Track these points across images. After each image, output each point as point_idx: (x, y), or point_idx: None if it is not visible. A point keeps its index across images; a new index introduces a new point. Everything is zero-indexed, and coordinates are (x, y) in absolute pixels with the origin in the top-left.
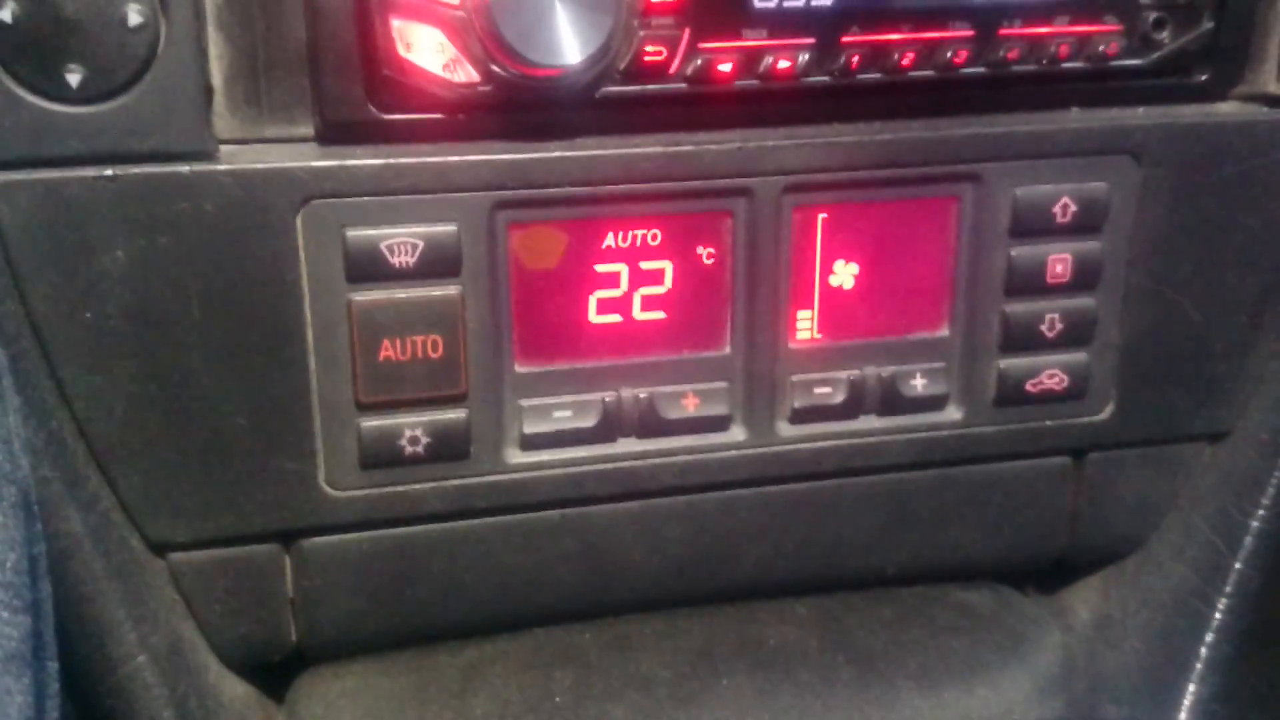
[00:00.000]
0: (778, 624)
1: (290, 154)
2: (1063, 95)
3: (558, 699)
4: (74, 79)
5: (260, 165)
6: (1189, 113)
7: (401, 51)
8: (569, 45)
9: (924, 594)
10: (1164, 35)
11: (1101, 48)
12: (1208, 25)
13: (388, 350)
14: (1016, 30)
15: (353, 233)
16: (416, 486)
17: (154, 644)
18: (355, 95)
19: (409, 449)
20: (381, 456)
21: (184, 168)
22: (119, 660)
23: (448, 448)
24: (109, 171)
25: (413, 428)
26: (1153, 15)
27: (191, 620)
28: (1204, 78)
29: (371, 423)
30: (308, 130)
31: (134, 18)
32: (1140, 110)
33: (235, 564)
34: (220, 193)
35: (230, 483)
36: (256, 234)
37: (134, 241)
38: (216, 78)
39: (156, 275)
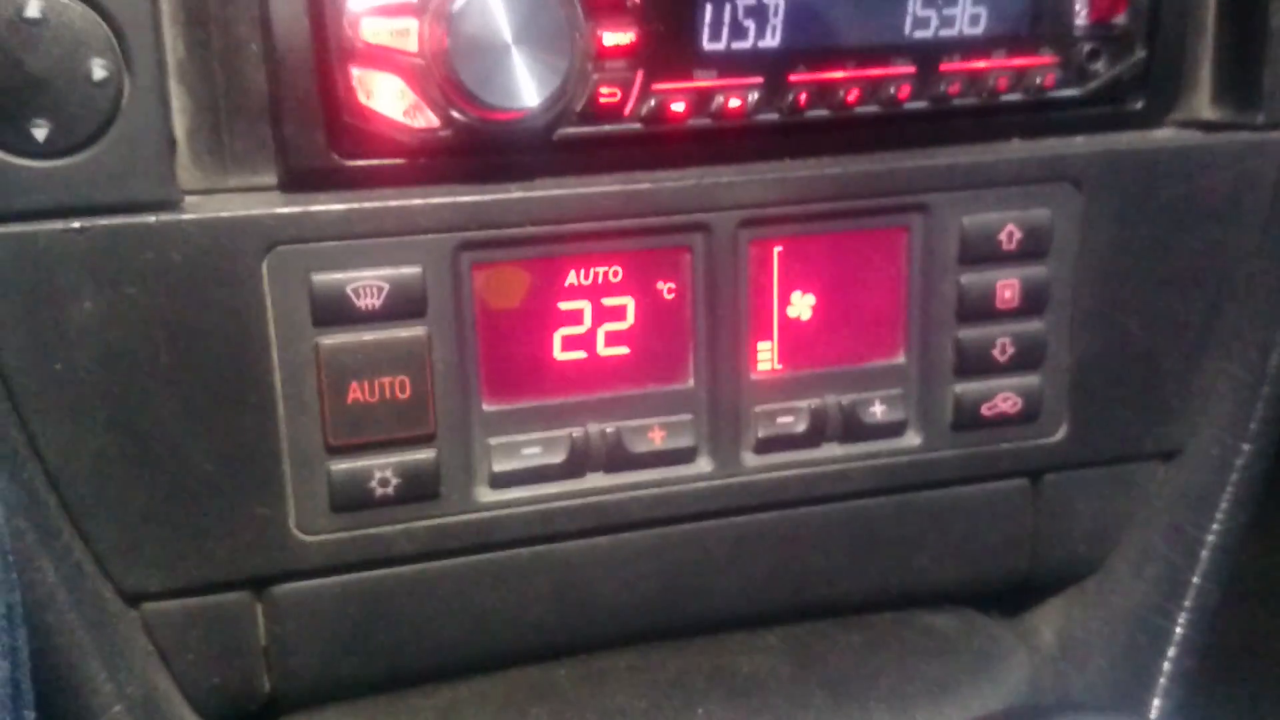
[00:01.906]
0: (749, 653)
1: (254, 202)
2: (1004, 126)
3: None
4: (40, 133)
5: (225, 214)
6: (1126, 139)
7: (362, 99)
8: (526, 89)
9: (892, 619)
10: (1099, 65)
11: (1039, 79)
12: (1141, 54)
13: (356, 392)
14: (956, 65)
15: (318, 277)
16: (387, 528)
17: (130, 695)
18: (318, 143)
19: (379, 490)
20: (352, 499)
21: (150, 218)
22: (95, 711)
23: (418, 488)
24: (76, 224)
25: (382, 469)
26: (1087, 46)
27: (166, 671)
28: (1139, 105)
29: (341, 465)
30: (271, 179)
31: (98, 73)
32: (1079, 139)
33: (207, 613)
34: (186, 242)
35: (201, 531)
36: (223, 281)
37: (102, 292)
38: (179, 129)
39: (125, 325)
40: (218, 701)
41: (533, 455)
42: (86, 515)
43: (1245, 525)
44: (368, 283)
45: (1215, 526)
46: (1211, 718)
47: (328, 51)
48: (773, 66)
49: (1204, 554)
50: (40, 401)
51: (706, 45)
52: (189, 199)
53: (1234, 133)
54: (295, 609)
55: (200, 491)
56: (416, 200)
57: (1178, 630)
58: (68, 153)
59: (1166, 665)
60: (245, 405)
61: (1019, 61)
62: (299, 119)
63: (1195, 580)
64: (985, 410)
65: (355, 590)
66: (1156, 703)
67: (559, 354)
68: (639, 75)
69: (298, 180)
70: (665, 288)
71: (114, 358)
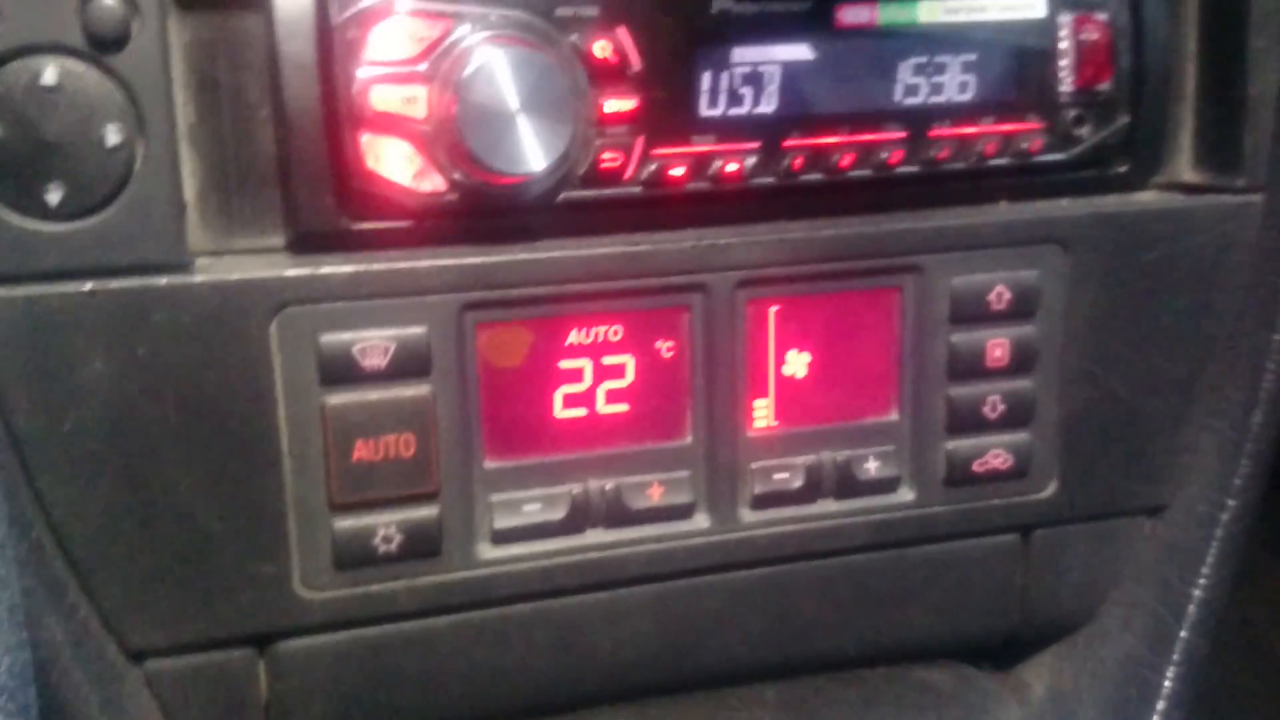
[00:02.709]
0: (747, 708)
1: (263, 264)
2: (992, 190)
3: None
4: (54, 198)
5: (235, 276)
6: (1111, 202)
7: (371, 164)
8: (532, 154)
9: (887, 674)
10: (1084, 131)
11: (1026, 144)
12: (1124, 120)
13: (361, 451)
14: (946, 131)
15: (326, 337)
16: (390, 585)
17: None
18: (326, 206)
19: (382, 548)
20: (355, 556)
21: (161, 280)
22: None
23: (420, 545)
24: (88, 286)
25: (386, 526)
26: (1072, 112)
27: None
28: (1123, 169)
29: (345, 523)
30: (278, 241)
31: (112, 138)
32: (1065, 201)
33: (210, 670)
34: (197, 303)
35: (205, 589)
36: (232, 342)
37: (113, 353)
38: (189, 192)
39: (134, 385)
40: None
41: (533, 512)
42: (92, 573)
43: (1232, 579)
44: (374, 343)
45: (1202, 581)
46: None
47: (337, 118)
48: (768, 132)
49: (1191, 608)
50: (49, 460)
51: (704, 112)
52: (199, 261)
53: (1215, 196)
54: (297, 665)
55: (205, 549)
56: (422, 262)
57: (1166, 684)
58: (80, 216)
59: (1155, 719)
60: (251, 464)
61: (1007, 127)
62: (308, 183)
63: (1183, 634)
64: (977, 467)
65: (357, 646)
66: None
67: (560, 412)
68: (639, 141)
69: (306, 242)
70: (664, 346)
71: (123, 417)
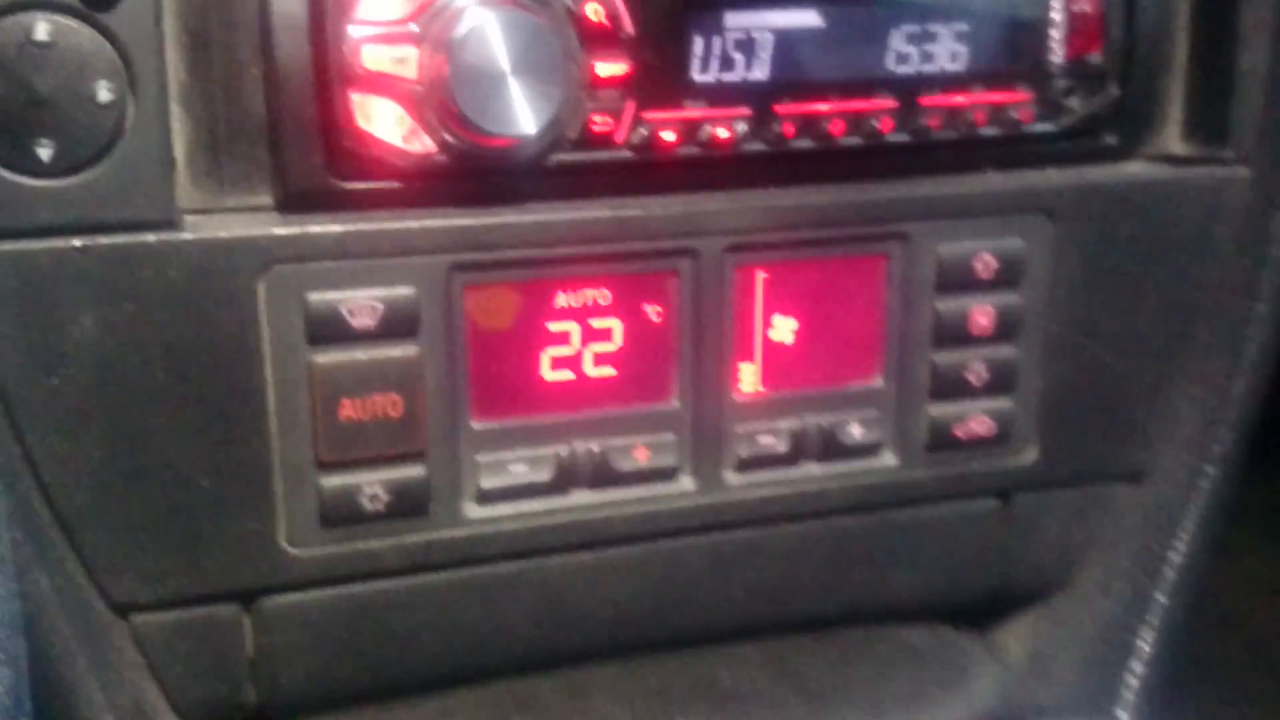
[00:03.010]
0: (729, 665)
1: (252, 222)
2: (981, 158)
3: None
4: (45, 153)
5: (224, 234)
6: (1099, 173)
7: (361, 124)
8: (523, 117)
9: (867, 633)
10: (1074, 101)
11: (1016, 114)
12: (1114, 92)
13: (348, 410)
14: (936, 99)
15: (314, 296)
16: (375, 543)
17: (120, 705)
18: (316, 165)
19: (369, 506)
20: (342, 514)
21: (150, 237)
22: None
23: (407, 504)
24: (78, 242)
25: (372, 485)
26: (1063, 83)
27: (154, 681)
28: (1112, 140)
29: (332, 481)
30: (267, 199)
31: (104, 95)
32: (1053, 171)
33: (196, 625)
34: (185, 261)
35: (192, 544)
36: (220, 300)
37: (101, 309)
38: (179, 150)
39: (122, 341)
40: (204, 713)
41: (520, 473)
42: (79, 527)
43: (1210, 546)
44: (362, 302)
45: (1181, 547)
46: None
47: (328, 77)
48: (760, 98)
49: (1169, 573)
50: (36, 415)
51: (696, 76)
52: (188, 218)
53: (1203, 167)
54: (283, 621)
55: (192, 505)
56: (411, 223)
57: (1143, 647)
58: (71, 172)
59: (1132, 680)
60: (238, 421)
61: (997, 97)
62: (298, 142)
63: (1160, 599)
64: (959, 432)
65: (342, 603)
66: (1124, 716)
67: (547, 374)
68: (631, 104)
69: (295, 202)
70: (652, 310)
71: (110, 373)
